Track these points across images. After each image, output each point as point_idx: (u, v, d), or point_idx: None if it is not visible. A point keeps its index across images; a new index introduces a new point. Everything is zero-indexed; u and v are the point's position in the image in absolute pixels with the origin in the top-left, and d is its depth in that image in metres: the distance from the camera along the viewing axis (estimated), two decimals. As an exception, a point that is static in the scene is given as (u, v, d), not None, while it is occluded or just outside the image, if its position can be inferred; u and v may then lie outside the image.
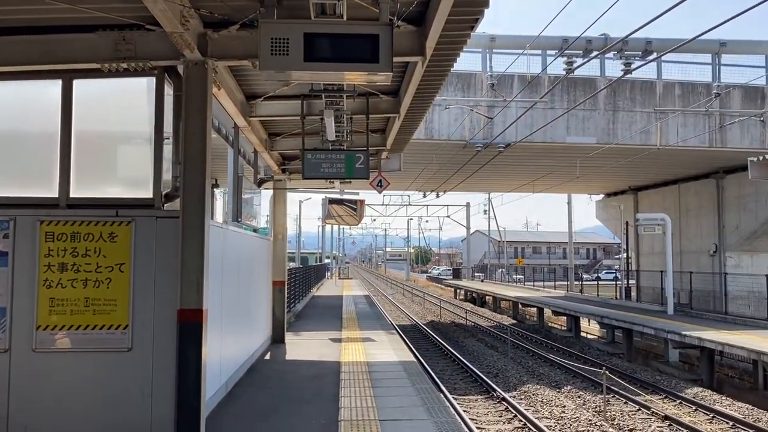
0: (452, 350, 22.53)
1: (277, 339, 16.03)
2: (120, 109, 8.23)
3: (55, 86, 7.76)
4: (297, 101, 10.65)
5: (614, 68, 27.73)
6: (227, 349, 10.12)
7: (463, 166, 25.65)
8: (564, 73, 16.97)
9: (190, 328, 7.10)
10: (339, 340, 16.63)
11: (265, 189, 16.83)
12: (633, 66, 16.38)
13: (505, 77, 25.16)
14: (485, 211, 69.68)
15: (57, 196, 7.70)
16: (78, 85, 7.81)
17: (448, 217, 68.57)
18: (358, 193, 27.41)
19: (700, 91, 27.49)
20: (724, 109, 26.64)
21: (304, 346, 15.58)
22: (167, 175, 7.84)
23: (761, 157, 14.93)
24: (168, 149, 7.79)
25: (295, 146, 13.53)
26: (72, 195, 7.71)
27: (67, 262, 7.36)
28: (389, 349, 15.11)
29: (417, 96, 9.65)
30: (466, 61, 26.14)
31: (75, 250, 7.39)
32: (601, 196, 42.89)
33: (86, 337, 7.27)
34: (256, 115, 10.91)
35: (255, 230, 15.47)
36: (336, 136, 10.68)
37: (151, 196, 7.71)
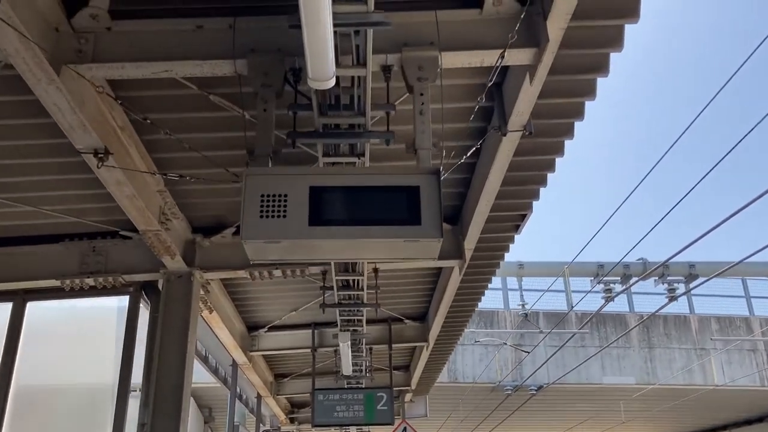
0: None
1: None
2: (80, 339, 6.60)
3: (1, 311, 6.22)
4: (307, 331, 9.03)
5: (643, 303, 26.41)
6: None
7: (492, 412, 23.08)
8: (601, 301, 15.55)
9: None
10: None
11: (271, 444, 14.45)
12: (678, 292, 15.02)
13: (531, 314, 23.75)
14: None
15: (-19, 455, 5.75)
16: (31, 308, 6.27)
17: (475, 474, 62.38)
18: (377, 448, 24.39)
19: (738, 325, 25.84)
20: (770, 341, 24.67)
21: None
22: (131, 426, 5.95)
23: None
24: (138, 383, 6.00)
25: (306, 389, 11.59)
26: (0, 454, 5.76)
27: None
28: None
29: (451, 315, 8.03)
30: (487, 299, 24.94)
31: None
32: (645, 445, 38.82)
33: None
34: (259, 348, 9.21)
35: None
36: (353, 370, 8.85)
37: (106, 451, 5.74)
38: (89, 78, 3.54)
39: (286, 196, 3.12)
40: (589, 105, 4.87)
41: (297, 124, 3.63)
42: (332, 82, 2.98)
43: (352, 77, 3.34)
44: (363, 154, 3.80)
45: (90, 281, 5.96)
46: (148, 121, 3.65)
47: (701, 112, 7.79)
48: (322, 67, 2.80)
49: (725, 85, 7.24)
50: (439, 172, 3.14)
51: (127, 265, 6.02)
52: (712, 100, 7.82)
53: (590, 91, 4.56)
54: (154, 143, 4.75)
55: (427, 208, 3.09)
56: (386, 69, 3.58)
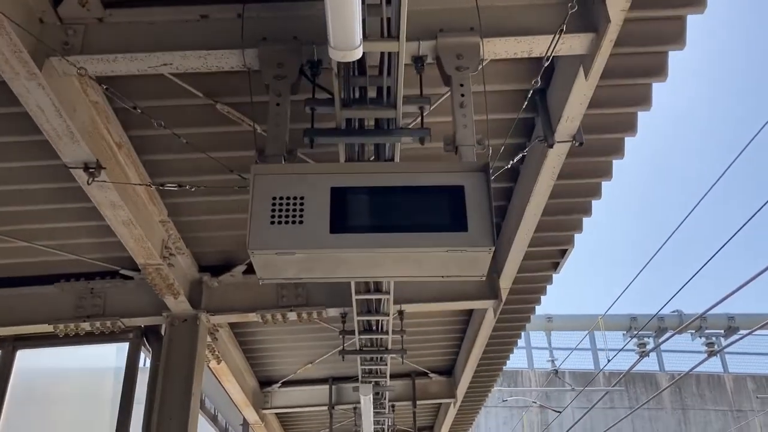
0: None
1: None
2: (73, 399, 6.00)
3: (-12, 359, 5.65)
4: (324, 386, 8.32)
5: (673, 361, 25.24)
6: None
7: (520, 481, 21.78)
8: (633, 357, 14.62)
9: None
10: None
11: None
12: (716, 347, 14.06)
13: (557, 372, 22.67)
14: None
15: None
16: (21, 359, 5.69)
17: None
18: None
19: (777, 384, 24.61)
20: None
21: None
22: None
23: None
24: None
25: (322, 452, 10.75)
26: None
27: None
28: None
29: (481, 367, 7.33)
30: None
31: None
32: None
33: None
34: (273, 406, 8.48)
35: None
36: (375, 430, 8.08)
37: None
38: (76, 70, 3.06)
39: (302, 198, 2.58)
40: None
41: (316, 127, 3.11)
42: (358, 53, 2.47)
43: (381, 61, 2.84)
44: (392, 159, 3.27)
45: (86, 326, 5.39)
46: (138, 111, 3.15)
47: (738, 155, 7.29)
48: (347, 31, 2.29)
49: (760, 131, 6.78)
50: (488, 168, 2.59)
51: (128, 308, 5.46)
52: (747, 145, 7.32)
53: (645, 100, 4.03)
54: (156, 164, 4.26)
55: (474, 211, 2.53)
56: (418, 60, 3.08)
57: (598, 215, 5.32)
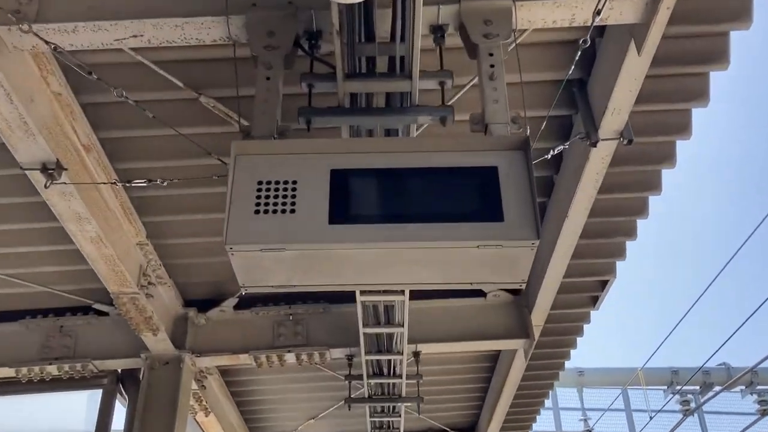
0: None
1: None
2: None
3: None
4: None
5: (717, 424, 23.60)
6: None
7: None
8: (672, 417, 13.41)
9: None
10: None
11: None
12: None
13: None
14: None
15: None
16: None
17: None
18: None
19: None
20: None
21: None
22: None
23: None
24: None
25: None
26: None
27: None
28: None
29: (510, 420, 6.61)
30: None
31: None
32: None
33: None
34: (269, 468, 7.69)
35: None
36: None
37: None
38: (29, 48, 2.53)
39: (295, 182, 2.02)
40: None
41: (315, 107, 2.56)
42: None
43: (392, 24, 2.30)
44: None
45: (53, 369, 4.74)
46: (94, 77, 2.58)
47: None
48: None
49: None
50: (528, 145, 2.03)
51: (101, 348, 4.83)
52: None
53: (701, 94, 3.45)
54: (131, 173, 3.66)
55: (511, 197, 1.97)
56: (438, 30, 2.55)
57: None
